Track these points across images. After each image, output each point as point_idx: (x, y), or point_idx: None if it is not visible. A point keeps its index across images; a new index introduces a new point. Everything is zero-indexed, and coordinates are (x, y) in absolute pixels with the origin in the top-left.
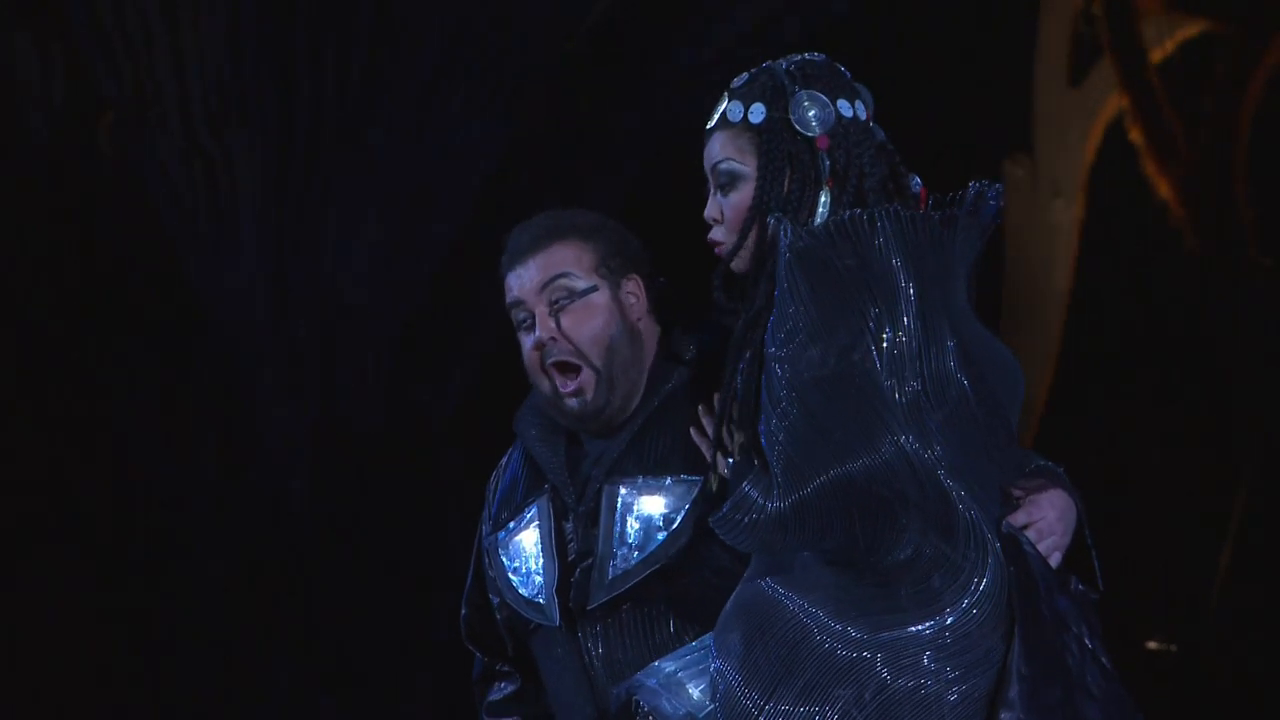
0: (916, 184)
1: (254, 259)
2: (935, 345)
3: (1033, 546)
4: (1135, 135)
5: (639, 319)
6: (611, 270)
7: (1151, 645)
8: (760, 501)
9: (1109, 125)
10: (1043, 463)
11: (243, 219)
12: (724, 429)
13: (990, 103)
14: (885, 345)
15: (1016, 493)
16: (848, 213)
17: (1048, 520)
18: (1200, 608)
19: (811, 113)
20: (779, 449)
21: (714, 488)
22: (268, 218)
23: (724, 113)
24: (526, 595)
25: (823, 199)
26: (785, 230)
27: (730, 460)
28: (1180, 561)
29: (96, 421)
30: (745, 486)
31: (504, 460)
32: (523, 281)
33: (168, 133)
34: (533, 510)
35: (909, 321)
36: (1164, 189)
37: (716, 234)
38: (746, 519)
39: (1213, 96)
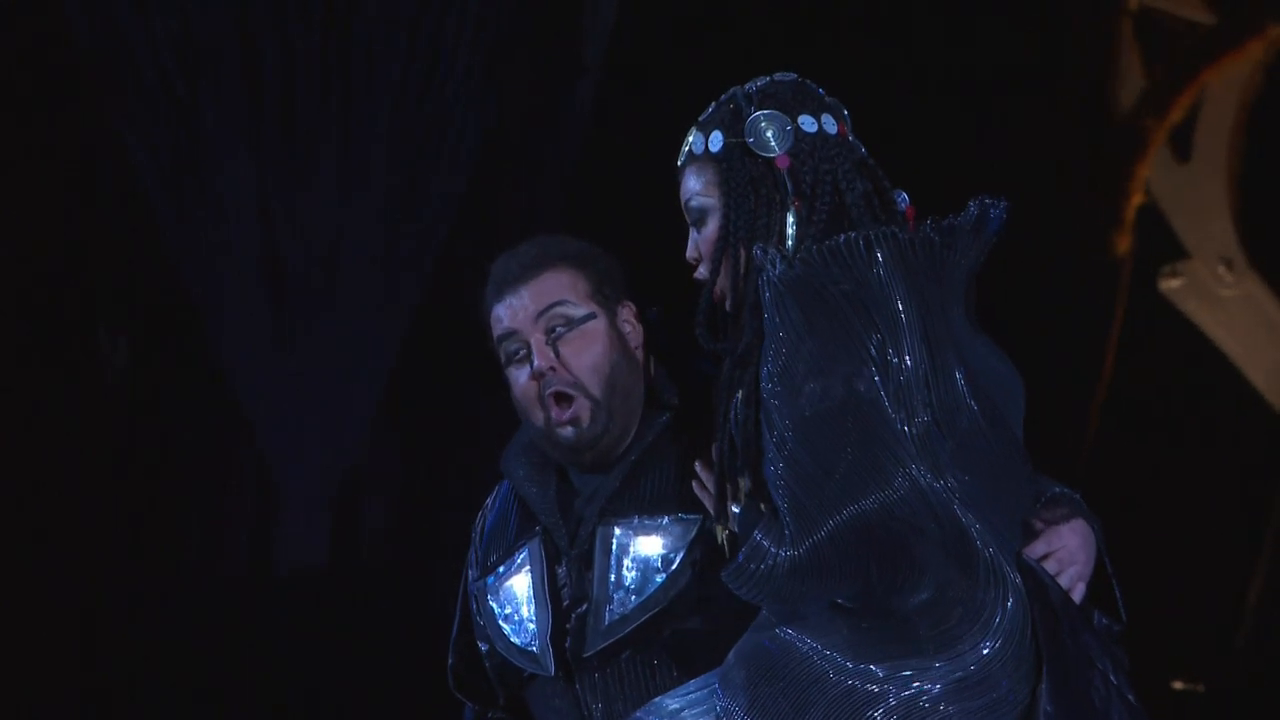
0: (904, 200)
1: (246, 234)
2: (942, 373)
3: (1053, 580)
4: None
5: (636, 347)
6: (607, 297)
7: (1177, 685)
8: (773, 550)
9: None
10: (1059, 490)
11: (226, 189)
12: (725, 478)
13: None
14: (890, 374)
15: (1037, 524)
16: (842, 236)
17: (1069, 549)
18: (1228, 645)
19: (769, 133)
20: (786, 493)
21: (722, 542)
22: (253, 186)
23: (690, 147)
24: (519, 644)
25: (790, 220)
26: (773, 261)
27: (736, 511)
28: (1207, 597)
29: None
30: (757, 535)
31: (489, 500)
32: (515, 311)
33: (143, 88)
34: (524, 554)
35: (914, 348)
36: None
37: (702, 272)
38: (761, 568)
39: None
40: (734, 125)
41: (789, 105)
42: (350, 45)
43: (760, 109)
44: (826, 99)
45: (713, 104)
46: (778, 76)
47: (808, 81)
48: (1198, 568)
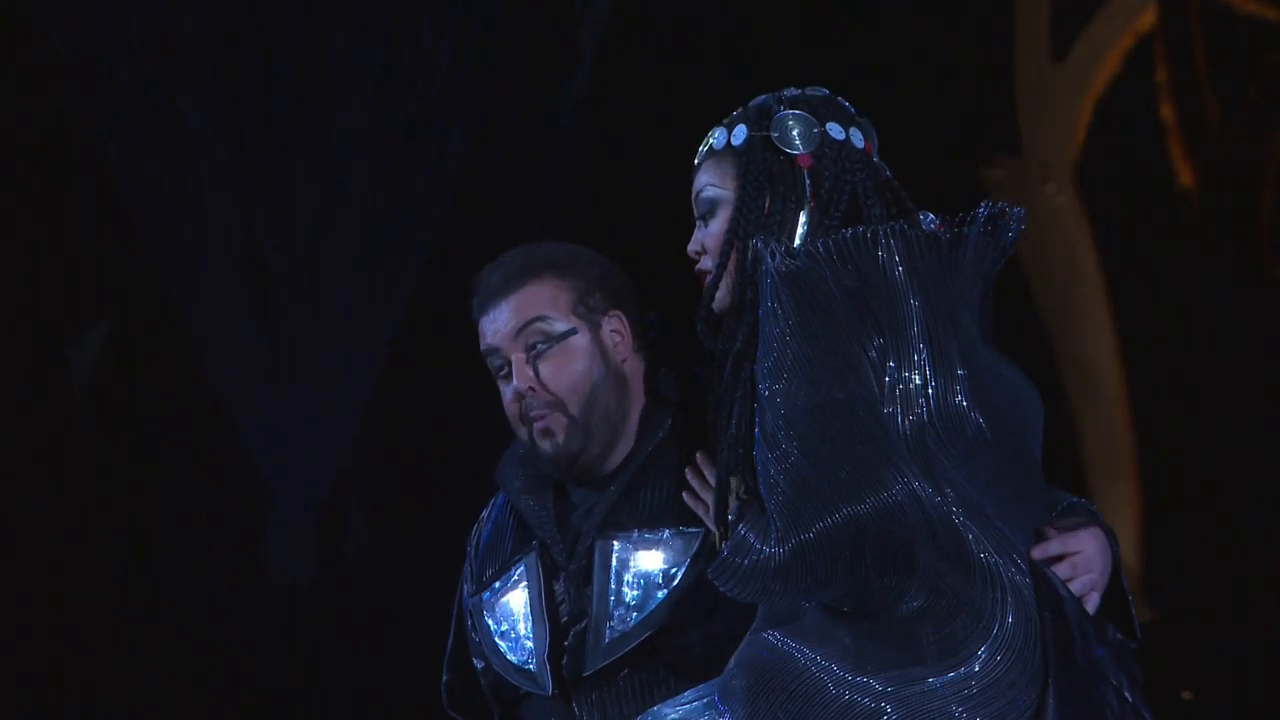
0: (931, 221)
1: (227, 236)
2: (944, 376)
3: (1068, 590)
4: (1166, 113)
5: (624, 359)
6: (590, 309)
7: (1186, 696)
8: (756, 545)
9: (1100, 101)
10: (1074, 500)
11: (206, 191)
12: (725, 482)
13: (962, 100)
14: (888, 373)
15: (1051, 532)
16: (849, 230)
17: (1085, 555)
18: (1238, 655)
19: (795, 130)
20: (776, 490)
21: (721, 548)
22: (234, 187)
23: (711, 143)
24: (516, 662)
25: (802, 220)
26: (772, 253)
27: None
28: (1217, 606)
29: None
30: (741, 529)
31: (485, 513)
32: (497, 326)
33: (119, 91)
34: (520, 569)
35: (916, 349)
36: (1186, 178)
37: (705, 264)
38: (745, 563)
39: (1259, 85)
40: (760, 121)
41: (819, 111)
42: (330, 39)
43: (790, 109)
44: (858, 117)
45: (741, 107)
46: (810, 90)
47: (840, 98)
48: (1207, 577)
